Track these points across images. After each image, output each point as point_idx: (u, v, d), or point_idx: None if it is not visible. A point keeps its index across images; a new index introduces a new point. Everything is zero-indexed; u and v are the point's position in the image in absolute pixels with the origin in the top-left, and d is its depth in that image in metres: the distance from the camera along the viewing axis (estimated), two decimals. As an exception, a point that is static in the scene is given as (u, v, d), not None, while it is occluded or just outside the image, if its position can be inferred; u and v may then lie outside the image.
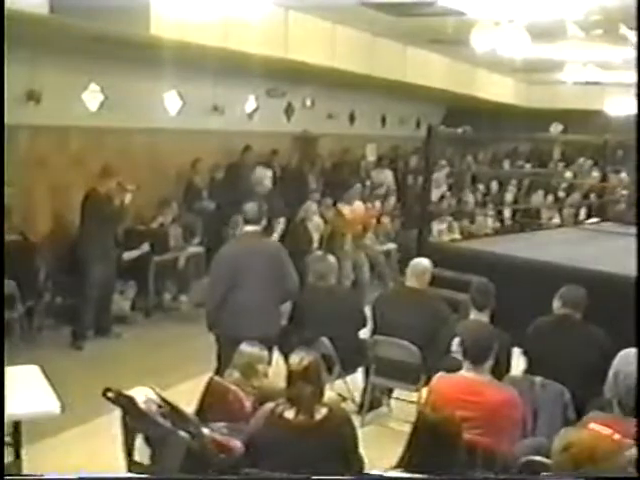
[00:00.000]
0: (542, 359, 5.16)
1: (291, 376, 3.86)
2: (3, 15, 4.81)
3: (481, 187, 14.14)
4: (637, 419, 3.80)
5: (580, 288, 5.41)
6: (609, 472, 3.19)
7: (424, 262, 6.21)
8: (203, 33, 7.42)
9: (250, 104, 11.54)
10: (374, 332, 6.09)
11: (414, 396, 5.86)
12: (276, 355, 5.79)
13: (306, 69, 9.62)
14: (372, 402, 6.17)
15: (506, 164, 16.55)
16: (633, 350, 5.09)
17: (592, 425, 3.85)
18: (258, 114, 11.64)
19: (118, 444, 4.07)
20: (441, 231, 11.61)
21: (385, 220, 11.49)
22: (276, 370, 5.52)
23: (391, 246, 11.28)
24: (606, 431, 3.67)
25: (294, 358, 3.91)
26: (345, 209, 9.78)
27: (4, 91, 6.28)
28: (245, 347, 4.68)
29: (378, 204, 11.50)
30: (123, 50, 7.78)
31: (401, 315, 5.90)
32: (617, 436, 3.61)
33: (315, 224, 10.24)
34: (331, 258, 6.56)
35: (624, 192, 13.12)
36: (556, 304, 5.42)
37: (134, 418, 3.95)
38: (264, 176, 8.32)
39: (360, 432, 4.19)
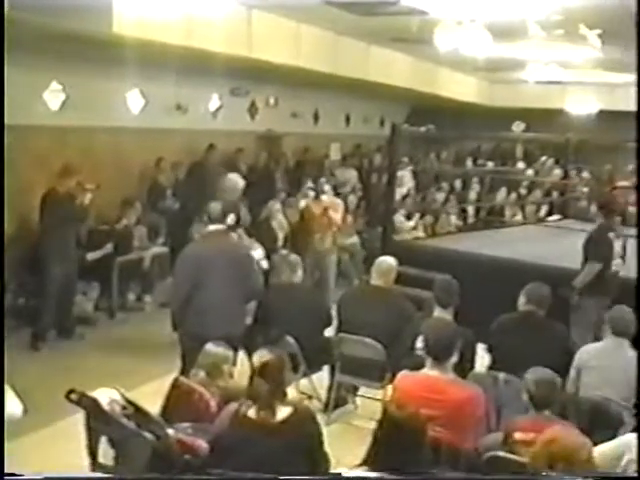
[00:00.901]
0: (506, 355, 5.22)
1: (252, 374, 3.87)
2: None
3: (445, 185, 14.22)
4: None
5: (544, 285, 5.48)
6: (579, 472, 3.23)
7: (389, 260, 6.23)
8: (166, 32, 7.37)
9: (214, 103, 11.50)
10: (339, 330, 6.10)
11: (379, 394, 5.89)
12: (241, 355, 5.79)
13: (270, 68, 9.60)
14: (337, 400, 6.19)
15: (469, 162, 16.67)
16: (593, 345, 5.19)
17: (517, 435, 3.86)
18: (222, 113, 11.60)
19: (82, 446, 4.04)
20: (404, 228, 11.65)
21: (350, 218, 11.51)
22: (241, 370, 5.52)
23: (355, 239, 11.27)
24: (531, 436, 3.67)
25: (256, 357, 3.91)
26: (312, 203, 9.75)
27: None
28: (210, 347, 4.67)
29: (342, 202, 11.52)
30: (85, 48, 7.71)
31: (366, 313, 5.92)
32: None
33: (279, 223, 10.23)
34: (295, 257, 6.56)
35: (585, 189, 13.29)
36: (521, 301, 5.48)
37: (98, 420, 3.93)
38: (237, 183, 8.20)
39: (326, 430, 4.20)
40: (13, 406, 4.22)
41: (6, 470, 3.45)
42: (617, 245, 7.06)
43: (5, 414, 4.22)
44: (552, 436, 3.28)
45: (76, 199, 7.78)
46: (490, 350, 5.49)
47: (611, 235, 7.07)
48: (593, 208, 11.84)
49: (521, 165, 16.22)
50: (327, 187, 9.96)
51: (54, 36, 6.97)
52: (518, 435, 3.91)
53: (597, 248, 6.88)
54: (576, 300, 6.68)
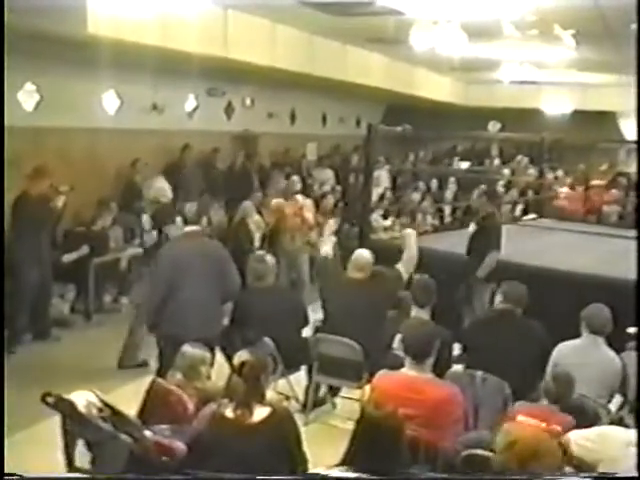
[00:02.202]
0: (482, 353, 5.24)
1: (232, 372, 3.86)
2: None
3: (421, 185, 14.27)
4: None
5: (521, 285, 5.50)
6: (552, 468, 3.26)
7: (365, 254, 6.23)
8: (141, 32, 7.34)
9: (190, 103, 11.46)
10: (325, 322, 6.12)
11: (357, 393, 5.89)
12: (218, 356, 5.78)
13: (246, 68, 9.60)
14: (316, 400, 6.19)
15: (445, 162, 16.74)
16: (569, 343, 5.22)
17: (520, 417, 3.94)
18: (198, 113, 11.56)
19: (58, 450, 4.01)
20: (380, 227, 11.67)
21: (327, 218, 11.51)
22: (218, 371, 5.50)
23: (331, 238, 11.27)
24: (533, 422, 3.77)
25: (236, 358, 3.91)
26: (284, 203, 9.71)
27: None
28: (187, 348, 4.65)
29: (320, 203, 11.53)
30: (60, 49, 7.66)
31: (350, 304, 5.94)
32: (545, 425, 3.71)
33: (256, 223, 10.21)
34: (270, 258, 6.54)
35: (560, 189, 13.38)
36: (497, 299, 5.51)
37: (74, 423, 3.90)
38: (164, 188, 8.11)
39: (304, 430, 4.20)
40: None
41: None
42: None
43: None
44: (513, 438, 3.31)
45: (49, 202, 7.71)
46: (464, 349, 5.50)
47: (499, 223, 7.62)
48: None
49: (497, 163, 16.31)
50: (299, 185, 9.90)
51: (28, 36, 6.92)
52: (521, 418, 3.96)
53: (491, 238, 7.19)
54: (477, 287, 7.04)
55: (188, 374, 4.54)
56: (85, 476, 3.85)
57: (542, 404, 4.26)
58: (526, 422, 3.87)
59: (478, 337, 5.40)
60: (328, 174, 13.89)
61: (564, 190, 13.14)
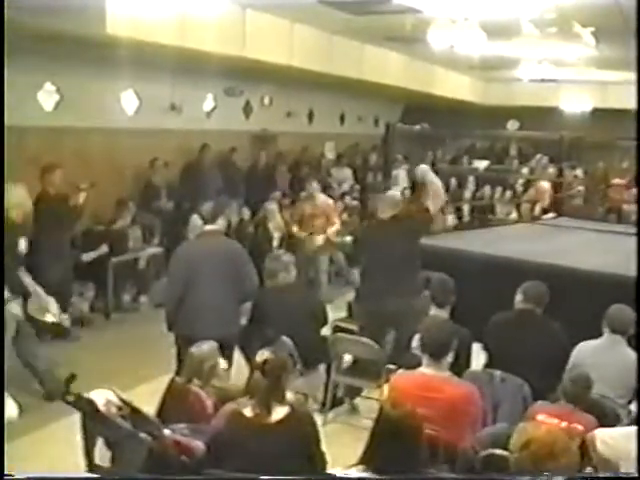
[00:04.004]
0: (502, 353, 5.22)
1: (252, 371, 3.86)
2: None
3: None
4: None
5: (542, 284, 5.46)
6: (569, 467, 3.24)
7: (395, 194, 6.35)
8: (160, 32, 7.36)
9: (208, 103, 11.49)
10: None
11: (376, 393, 5.88)
12: (237, 356, 5.79)
13: (264, 67, 9.60)
14: (334, 400, 6.19)
15: (464, 161, 16.67)
16: (590, 343, 5.19)
17: (540, 417, 3.92)
18: (216, 113, 11.59)
19: (78, 447, 4.03)
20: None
21: (346, 217, 11.52)
22: (237, 370, 5.52)
23: (350, 239, 11.26)
24: (554, 421, 3.75)
25: (257, 357, 3.91)
26: (306, 204, 9.75)
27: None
28: (193, 349, 4.63)
29: (339, 203, 11.54)
30: (79, 49, 7.70)
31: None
32: (565, 424, 3.69)
33: (276, 223, 10.23)
34: (289, 257, 6.53)
35: (580, 188, 13.31)
36: (518, 298, 5.47)
37: (94, 421, 3.92)
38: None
39: (323, 430, 4.20)
40: (8, 408, 4.22)
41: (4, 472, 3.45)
42: None
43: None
44: (529, 437, 3.29)
45: (69, 200, 7.76)
46: (486, 349, 5.49)
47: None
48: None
49: (516, 162, 16.24)
50: (316, 186, 9.93)
51: (48, 37, 6.96)
52: (541, 417, 3.95)
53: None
54: None
55: (197, 373, 4.54)
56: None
57: (562, 404, 4.23)
58: (546, 421, 3.85)
59: (498, 337, 5.37)
60: (347, 173, 13.88)
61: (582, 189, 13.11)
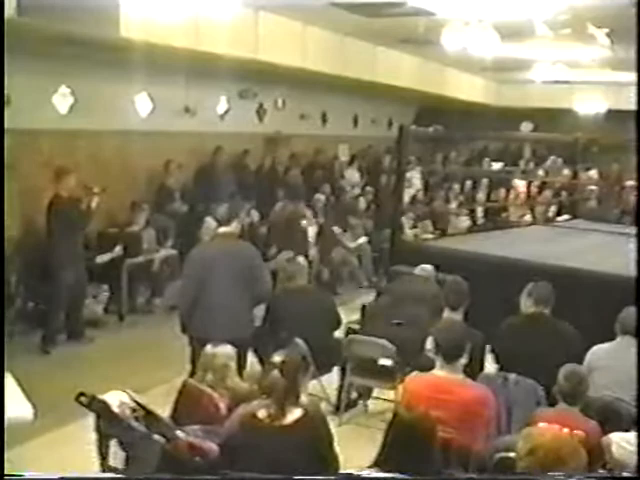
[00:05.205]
0: (514, 357, 5.19)
1: (267, 369, 3.85)
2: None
3: (455, 186, 14.18)
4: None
5: (547, 284, 5.43)
6: (577, 469, 3.22)
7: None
8: (173, 34, 7.39)
9: (222, 105, 11.50)
10: None
11: (390, 394, 5.88)
12: (251, 358, 5.80)
13: (277, 70, 9.61)
14: (349, 402, 6.18)
15: (477, 163, 16.63)
16: (604, 346, 5.16)
17: (541, 424, 3.88)
18: (230, 115, 11.60)
19: (92, 449, 4.05)
20: (415, 229, 11.67)
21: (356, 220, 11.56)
22: (251, 372, 5.51)
23: (363, 240, 11.31)
24: (555, 427, 3.72)
25: (274, 356, 3.91)
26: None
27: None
28: (209, 349, 4.65)
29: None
30: (93, 52, 7.73)
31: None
32: (567, 430, 3.66)
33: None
34: (301, 259, 6.54)
35: (594, 189, 13.25)
36: (526, 302, 5.42)
37: (108, 423, 3.93)
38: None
39: (337, 431, 4.19)
40: (24, 409, 4.23)
41: (17, 472, 3.46)
42: None
43: (16, 417, 4.23)
44: (535, 443, 3.27)
45: (81, 203, 7.80)
46: (497, 353, 5.43)
47: None
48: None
49: (530, 163, 16.19)
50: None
51: (62, 40, 7.00)
52: (543, 425, 3.92)
53: None
54: None
55: (214, 373, 4.54)
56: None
57: (565, 409, 4.15)
58: (559, 430, 3.82)
59: (511, 341, 5.33)
60: (355, 176, 13.89)
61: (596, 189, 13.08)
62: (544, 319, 5.34)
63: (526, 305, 5.41)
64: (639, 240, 6.59)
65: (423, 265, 6.49)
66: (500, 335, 5.43)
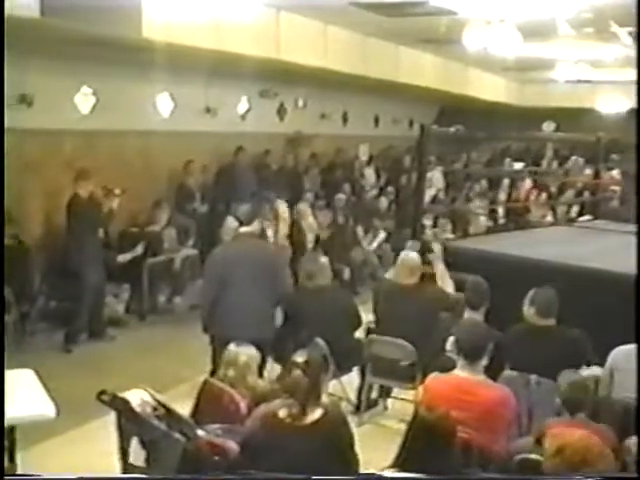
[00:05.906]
0: (523, 364, 5.09)
1: (290, 368, 3.86)
2: (3, 16, 4.80)
3: (476, 186, 14.13)
4: (638, 421, 3.82)
5: (550, 290, 5.29)
6: (605, 471, 3.20)
7: (412, 256, 6.20)
8: (195, 35, 7.42)
9: (243, 105, 11.53)
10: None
11: (410, 394, 5.86)
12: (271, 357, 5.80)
13: (298, 70, 9.62)
14: (369, 401, 6.17)
15: (499, 163, 16.56)
16: (625, 348, 5.11)
17: (555, 430, 3.84)
18: (251, 115, 11.62)
19: (113, 447, 4.07)
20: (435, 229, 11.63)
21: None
22: (271, 372, 5.53)
23: (382, 236, 11.33)
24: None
25: (296, 356, 3.91)
26: None
27: (4, 92, 6.26)
28: (232, 347, 4.66)
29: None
30: (115, 53, 7.77)
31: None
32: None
33: (309, 225, 10.24)
34: (323, 258, 6.52)
35: (617, 189, 13.14)
36: (529, 310, 5.26)
37: (129, 421, 3.95)
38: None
39: (357, 431, 4.19)
40: (46, 407, 4.27)
41: (40, 470, 3.49)
42: None
43: (38, 415, 4.27)
44: (561, 444, 3.25)
45: (101, 204, 7.84)
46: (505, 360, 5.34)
47: None
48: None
49: (552, 163, 16.10)
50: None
51: (85, 41, 7.04)
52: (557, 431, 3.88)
53: None
54: None
55: (235, 371, 4.55)
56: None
57: (565, 417, 4.09)
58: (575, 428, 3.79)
59: (518, 352, 5.22)
60: (381, 175, 13.88)
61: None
62: (551, 333, 5.20)
63: (529, 313, 5.28)
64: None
65: (407, 251, 6.40)
66: (506, 344, 5.30)
